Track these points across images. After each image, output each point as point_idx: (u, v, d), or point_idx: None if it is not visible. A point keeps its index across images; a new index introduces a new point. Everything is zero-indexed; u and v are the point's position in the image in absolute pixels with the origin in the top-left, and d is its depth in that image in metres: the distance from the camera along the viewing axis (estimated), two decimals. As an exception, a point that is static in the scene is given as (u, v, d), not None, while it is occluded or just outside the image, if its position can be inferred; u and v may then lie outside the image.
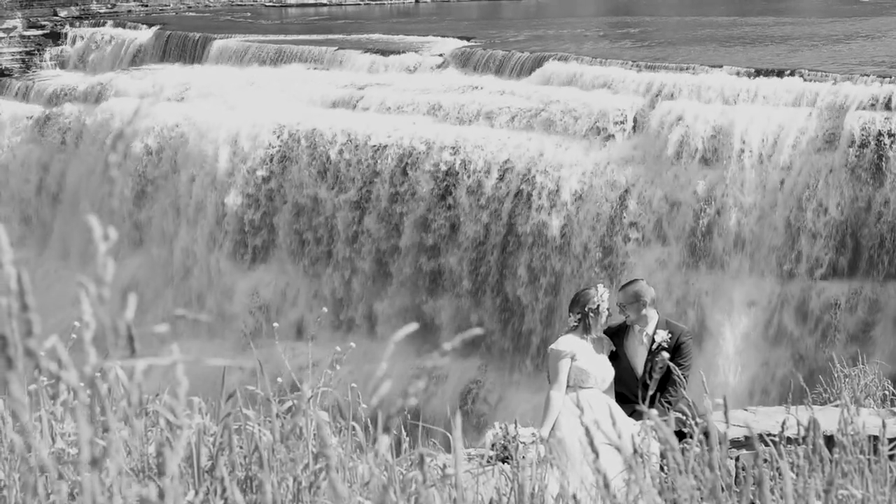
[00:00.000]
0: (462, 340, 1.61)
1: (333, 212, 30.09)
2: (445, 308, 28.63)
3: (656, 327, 8.74)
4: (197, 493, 3.89)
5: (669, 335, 8.68)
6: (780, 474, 3.99)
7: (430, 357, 1.49)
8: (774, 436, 4.92)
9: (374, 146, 29.64)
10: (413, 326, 1.53)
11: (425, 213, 28.83)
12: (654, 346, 8.66)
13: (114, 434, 1.43)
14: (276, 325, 4.25)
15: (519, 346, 27.52)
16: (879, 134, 24.12)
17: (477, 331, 1.65)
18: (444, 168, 28.62)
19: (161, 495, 1.41)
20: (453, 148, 28.70)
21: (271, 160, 31.08)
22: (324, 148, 30.34)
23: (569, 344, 8.19)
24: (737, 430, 7.98)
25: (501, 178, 27.87)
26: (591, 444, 2.17)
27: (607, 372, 8.33)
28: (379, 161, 29.46)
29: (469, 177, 28.27)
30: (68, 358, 1.38)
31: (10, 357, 1.28)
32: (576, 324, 8.31)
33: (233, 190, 31.32)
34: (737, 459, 7.67)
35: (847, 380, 9.57)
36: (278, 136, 31.08)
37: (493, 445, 7.53)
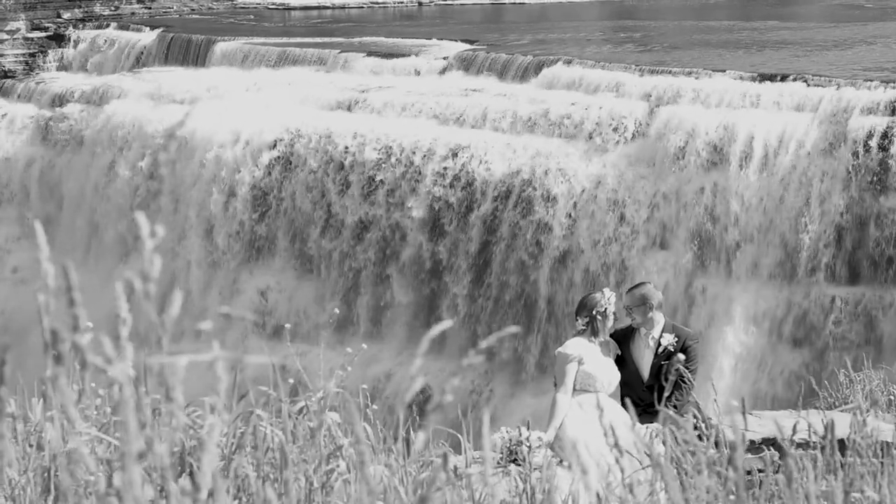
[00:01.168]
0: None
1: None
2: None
3: (662, 331, 8.74)
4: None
5: (675, 339, 8.69)
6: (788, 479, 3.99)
7: (469, 356, 1.50)
8: (784, 440, 4.91)
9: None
10: (448, 323, 1.54)
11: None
12: (661, 350, 8.67)
13: (155, 430, 1.44)
14: (287, 325, 4.26)
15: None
16: (882, 139, 24.12)
17: (513, 329, 1.65)
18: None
19: (197, 489, 1.42)
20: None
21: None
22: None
23: (577, 347, 8.19)
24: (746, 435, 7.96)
25: (503, 185, 27.89)
26: (617, 444, 2.18)
27: (614, 376, 8.34)
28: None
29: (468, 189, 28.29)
30: (114, 353, 1.39)
31: (60, 352, 1.29)
32: (584, 327, 8.31)
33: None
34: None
35: (853, 385, 9.57)
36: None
37: (500, 448, 7.52)
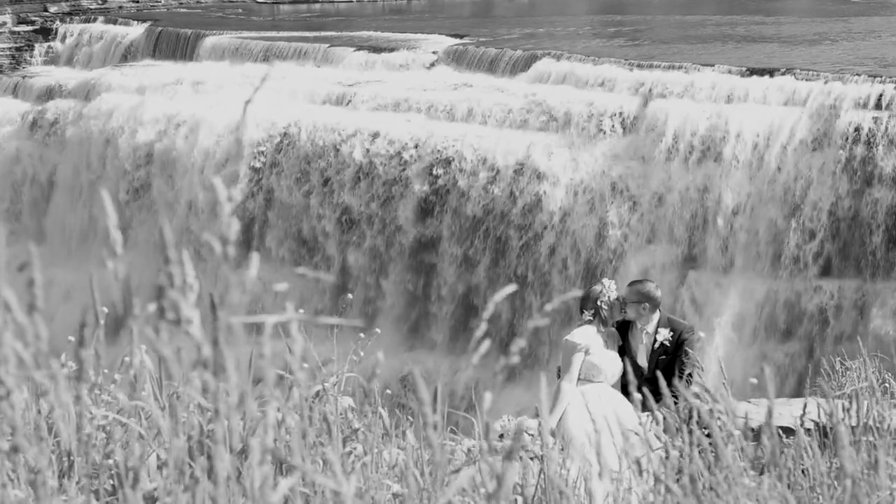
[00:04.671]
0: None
1: None
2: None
3: (658, 326, 8.81)
4: (229, 476, 3.93)
5: (671, 333, 8.76)
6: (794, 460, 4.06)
7: (532, 320, 1.54)
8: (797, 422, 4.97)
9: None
10: (512, 287, 1.57)
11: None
12: (657, 344, 8.74)
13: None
14: (301, 311, 4.29)
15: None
16: (870, 133, 24.26)
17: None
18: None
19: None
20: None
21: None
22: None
23: (584, 337, 8.24)
24: (742, 423, 8.03)
25: (493, 181, 27.95)
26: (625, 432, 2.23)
27: (617, 368, 8.40)
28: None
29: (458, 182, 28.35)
30: (195, 315, 1.43)
31: (164, 307, 1.33)
32: (591, 318, 8.37)
33: None
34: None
35: (848, 373, 9.63)
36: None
37: (501, 436, 7.57)
